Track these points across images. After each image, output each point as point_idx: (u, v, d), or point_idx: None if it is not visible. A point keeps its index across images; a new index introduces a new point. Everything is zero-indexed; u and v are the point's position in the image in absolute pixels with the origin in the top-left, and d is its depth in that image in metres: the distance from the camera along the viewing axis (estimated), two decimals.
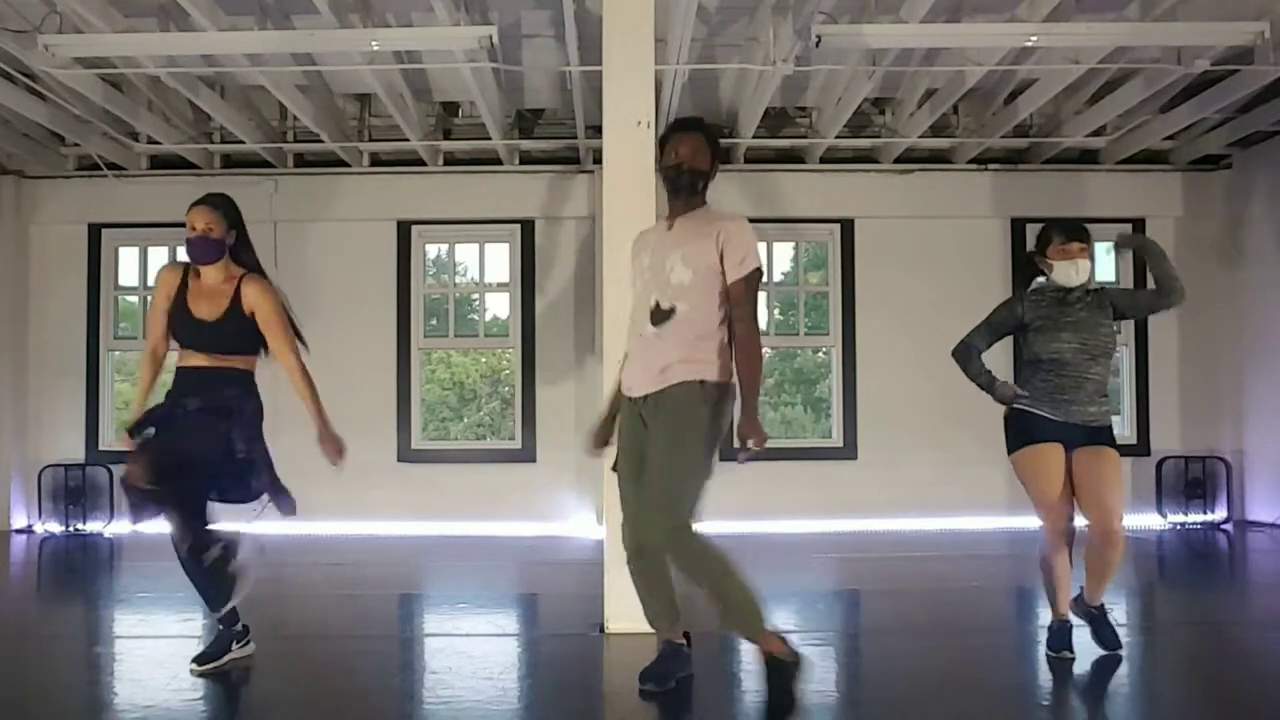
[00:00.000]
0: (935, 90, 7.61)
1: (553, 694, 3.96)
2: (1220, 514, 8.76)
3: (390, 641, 4.87)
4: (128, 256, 9.14)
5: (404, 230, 8.94)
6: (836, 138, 8.25)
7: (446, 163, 8.92)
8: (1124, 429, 8.89)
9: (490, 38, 6.03)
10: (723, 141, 8.02)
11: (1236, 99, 7.31)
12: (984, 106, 8.25)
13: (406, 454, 8.83)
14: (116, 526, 8.55)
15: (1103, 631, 4.26)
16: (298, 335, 4.10)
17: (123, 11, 6.15)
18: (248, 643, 4.14)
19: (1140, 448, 8.87)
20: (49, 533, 8.64)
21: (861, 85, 7.23)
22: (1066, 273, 4.16)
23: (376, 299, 8.85)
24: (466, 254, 9.80)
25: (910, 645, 4.64)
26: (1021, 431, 4.19)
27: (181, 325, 4.01)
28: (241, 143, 8.26)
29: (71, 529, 8.61)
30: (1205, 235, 8.91)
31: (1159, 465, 8.78)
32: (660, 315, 3.60)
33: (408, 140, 8.28)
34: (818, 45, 5.88)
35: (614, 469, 3.78)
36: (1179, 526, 8.69)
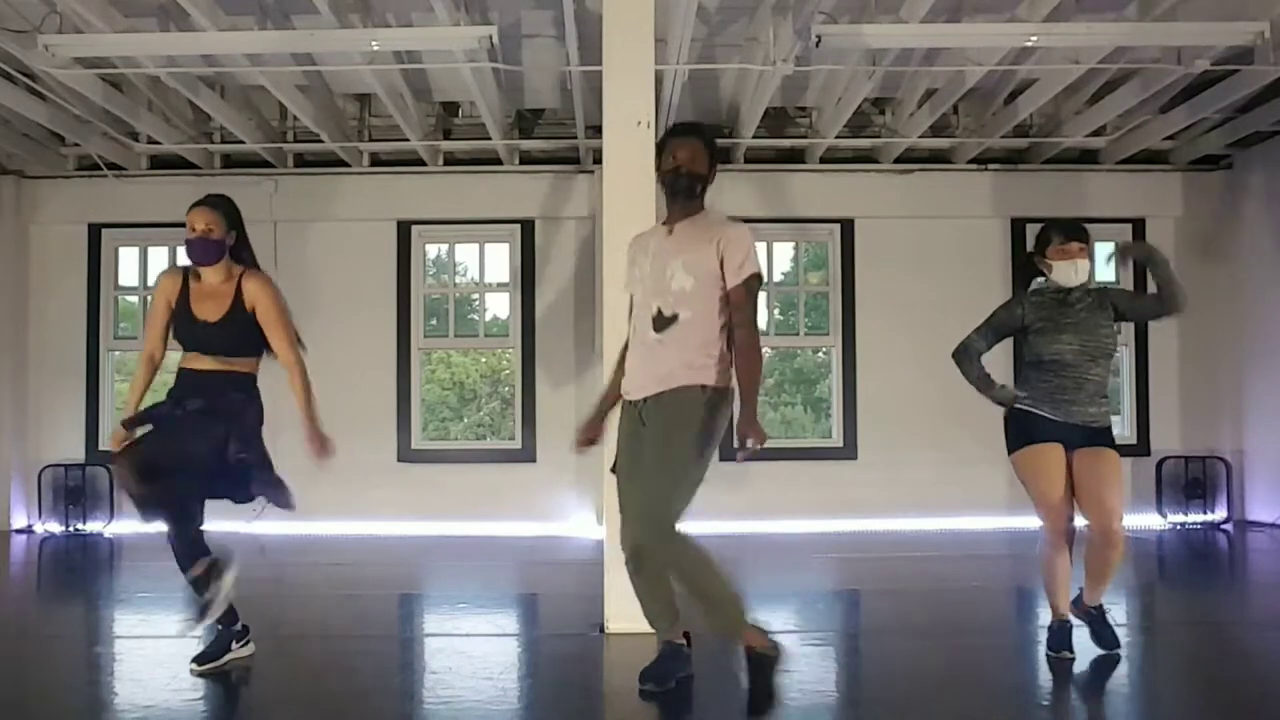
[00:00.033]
0: (935, 90, 7.61)
1: (553, 694, 3.97)
2: (1220, 514, 8.75)
3: (390, 641, 4.88)
4: (128, 256, 9.14)
5: (404, 230, 8.93)
6: (837, 138, 8.24)
7: (446, 163, 8.92)
8: (1124, 429, 8.89)
9: (490, 38, 6.03)
10: (723, 141, 8.06)
11: (1236, 99, 7.31)
12: (984, 106, 8.25)
13: (406, 454, 8.83)
14: (116, 526, 8.54)
15: (1102, 631, 4.27)
16: (296, 336, 4.10)
17: (123, 11, 6.15)
18: (247, 642, 4.14)
19: (1140, 448, 8.87)
20: (49, 533, 8.64)
21: (861, 85, 7.23)
22: (1066, 273, 4.16)
23: (376, 299, 8.84)
24: (466, 254, 9.80)
25: (910, 645, 4.64)
26: (1022, 431, 4.19)
27: (185, 327, 4.01)
28: (241, 143, 8.26)
29: (71, 529, 8.61)
30: (1205, 235, 8.90)
31: (1159, 465, 8.78)
32: (662, 322, 3.61)
33: (408, 140, 8.28)
34: (818, 45, 5.88)
35: (613, 470, 3.79)
36: (1179, 526, 8.68)
